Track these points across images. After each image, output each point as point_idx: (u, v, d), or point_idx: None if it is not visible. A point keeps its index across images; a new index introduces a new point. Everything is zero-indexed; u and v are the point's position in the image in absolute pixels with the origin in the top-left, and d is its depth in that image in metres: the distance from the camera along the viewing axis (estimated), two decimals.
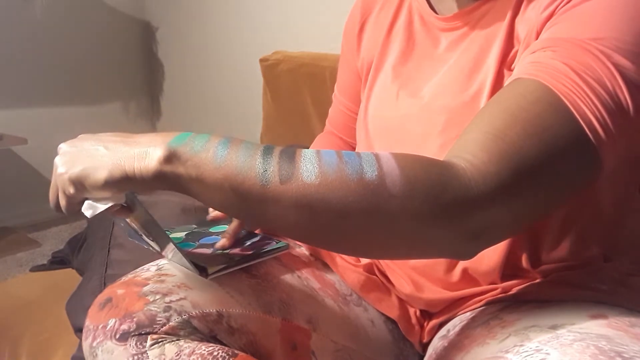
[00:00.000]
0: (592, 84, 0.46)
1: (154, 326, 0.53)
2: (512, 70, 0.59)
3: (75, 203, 0.52)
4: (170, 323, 0.53)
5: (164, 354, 0.52)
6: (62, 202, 0.52)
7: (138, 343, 0.52)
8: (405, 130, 0.68)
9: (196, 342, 0.53)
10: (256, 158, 0.45)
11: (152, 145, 0.47)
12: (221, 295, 0.59)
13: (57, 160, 0.51)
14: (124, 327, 0.53)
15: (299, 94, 1.56)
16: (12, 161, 2.41)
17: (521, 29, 0.58)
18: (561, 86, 0.47)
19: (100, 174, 0.48)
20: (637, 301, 0.55)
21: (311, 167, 0.44)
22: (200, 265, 0.58)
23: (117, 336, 0.53)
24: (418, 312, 0.71)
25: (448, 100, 0.63)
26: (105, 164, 0.48)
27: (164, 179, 0.47)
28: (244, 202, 0.46)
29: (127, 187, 0.49)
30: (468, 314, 0.64)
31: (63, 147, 0.52)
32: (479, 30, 0.63)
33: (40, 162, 2.46)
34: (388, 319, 0.72)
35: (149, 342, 0.52)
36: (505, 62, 0.60)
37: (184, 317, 0.54)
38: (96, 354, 0.54)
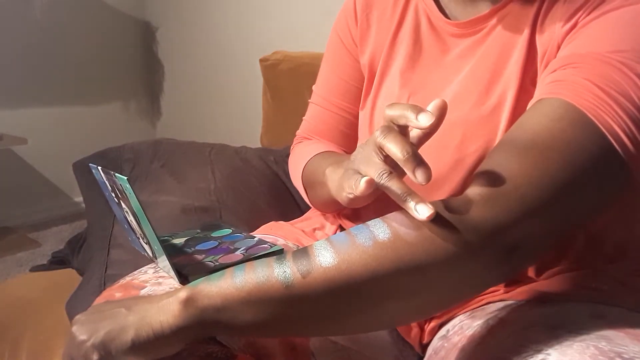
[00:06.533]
0: (617, 96, 0.46)
1: None
2: (535, 87, 0.57)
3: None
4: None
5: None
6: None
7: None
8: None
9: (195, 343, 0.53)
10: (272, 265, 0.45)
11: (173, 293, 0.47)
12: None
13: (75, 330, 0.48)
14: None
15: (299, 94, 1.56)
16: (12, 161, 2.41)
17: (540, 42, 0.57)
18: (584, 101, 0.46)
19: (127, 335, 0.45)
20: (638, 302, 0.55)
21: (325, 252, 0.44)
22: (183, 274, 0.58)
23: None
24: None
25: (465, 112, 0.61)
26: (131, 323, 0.46)
27: (190, 321, 0.45)
28: (273, 310, 0.45)
29: (154, 350, 0.46)
30: (468, 314, 0.64)
31: (79, 317, 0.50)
32: (495, 38, 0.60)
33: (40, 162, 2.46)
34: None
35: None
36: (527, 77, 0.58)
37: None
38: None
